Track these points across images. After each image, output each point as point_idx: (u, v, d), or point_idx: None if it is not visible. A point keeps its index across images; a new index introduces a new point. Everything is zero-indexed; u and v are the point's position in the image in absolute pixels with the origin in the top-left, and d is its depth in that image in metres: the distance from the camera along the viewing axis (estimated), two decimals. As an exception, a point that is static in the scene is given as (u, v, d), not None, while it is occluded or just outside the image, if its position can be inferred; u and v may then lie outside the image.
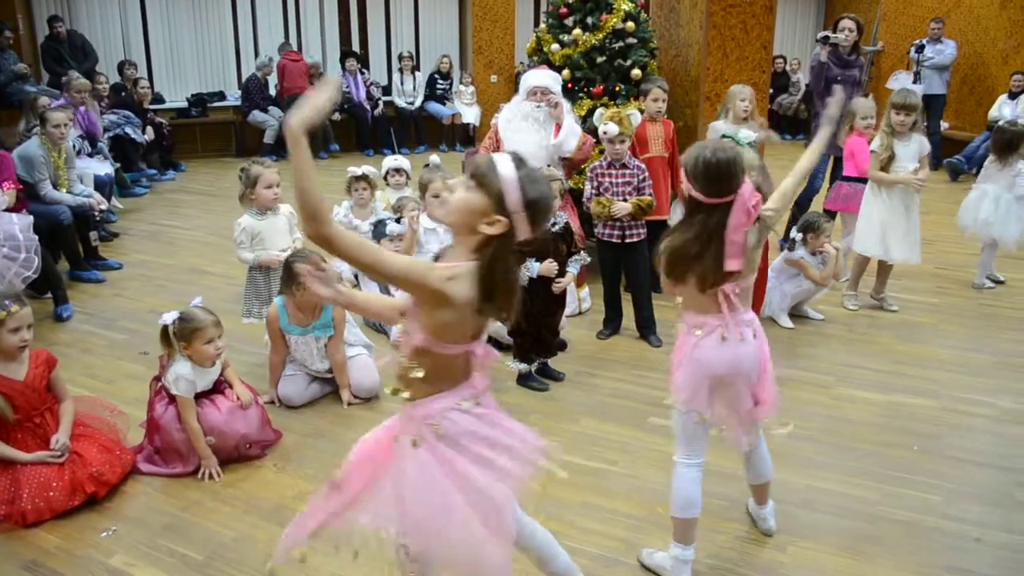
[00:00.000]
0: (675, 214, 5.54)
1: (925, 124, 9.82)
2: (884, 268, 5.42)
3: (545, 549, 2.39)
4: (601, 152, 4.79)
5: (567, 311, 5.07)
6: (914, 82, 10.13)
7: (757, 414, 2.68)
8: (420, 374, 1.99)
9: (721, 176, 2.41)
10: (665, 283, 2.65)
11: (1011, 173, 5.68)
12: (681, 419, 2.67)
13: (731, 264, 2.46)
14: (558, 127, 5.19)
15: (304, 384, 4.06)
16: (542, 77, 5.27)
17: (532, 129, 5.12)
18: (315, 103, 1.73)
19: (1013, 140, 5.65)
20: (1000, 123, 6.24)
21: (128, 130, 8.95)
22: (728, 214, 2.44)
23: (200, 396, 3.44)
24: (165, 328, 3.40)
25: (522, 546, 2.35)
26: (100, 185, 6.82)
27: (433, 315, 1.94)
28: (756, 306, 4.63)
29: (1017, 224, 5.72)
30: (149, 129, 9.45)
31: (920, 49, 10.39)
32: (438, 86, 12.25)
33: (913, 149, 5.14)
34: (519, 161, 1.95)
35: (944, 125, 10.69)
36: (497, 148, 5.31)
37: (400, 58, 12.16)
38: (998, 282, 5.99)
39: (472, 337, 2.01)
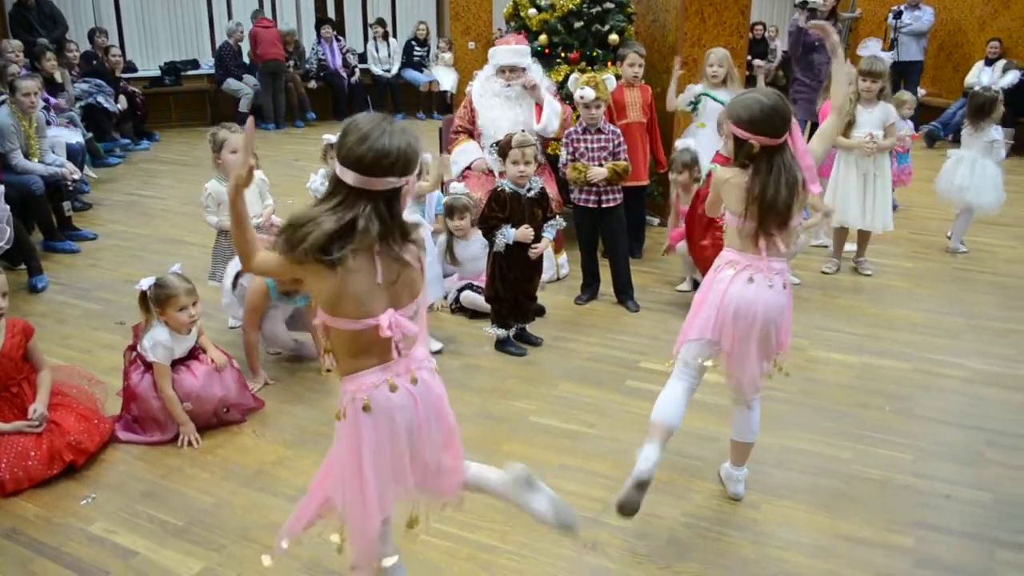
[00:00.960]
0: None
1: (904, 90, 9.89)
2: (863, 234, 5.46)
3: (502, 486, 2.32)
4: (577, 118, 4.78)
5: (545, 277, 5.08)
6: (890, 49, 10.18)
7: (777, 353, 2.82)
8: (329, 353, 2.03)
9: (782, 114, 2.54)
10: (713, 204, 2.82)
11: (985, 138, 5.72)
12: (690, 348, 2.77)
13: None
14: (538, 108, 5.15)
15: (281, 320, 4.05)
16: (509, 55, 5.20)
17: (505, 107, 5.13)
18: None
19: (986, 105, 5.68)
20: (975, 88, 6.27)
21: (100, 99, 8.81)
22: (789, 146, 2.59)
23: (175, 363, 3.44)
24: (143, 294, 3.39)
25: (480, 491, 2.37)
26: (72, 155, 6.72)
27: (317, 289, 1.94)
28: None
29: (993, 190, 5.77)
30: (122, 98, 9.32)
31: (898, 15, 10.40)
32: (415, 53, 12.13)
33: (877, 116, 5.16)
34: (367, 120, 1.90)
35: (921, 92, 10.73)
36: (472, 117, 5.28)
37: (372, 25, 12.01)
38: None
39: (371, 312, 1.93)
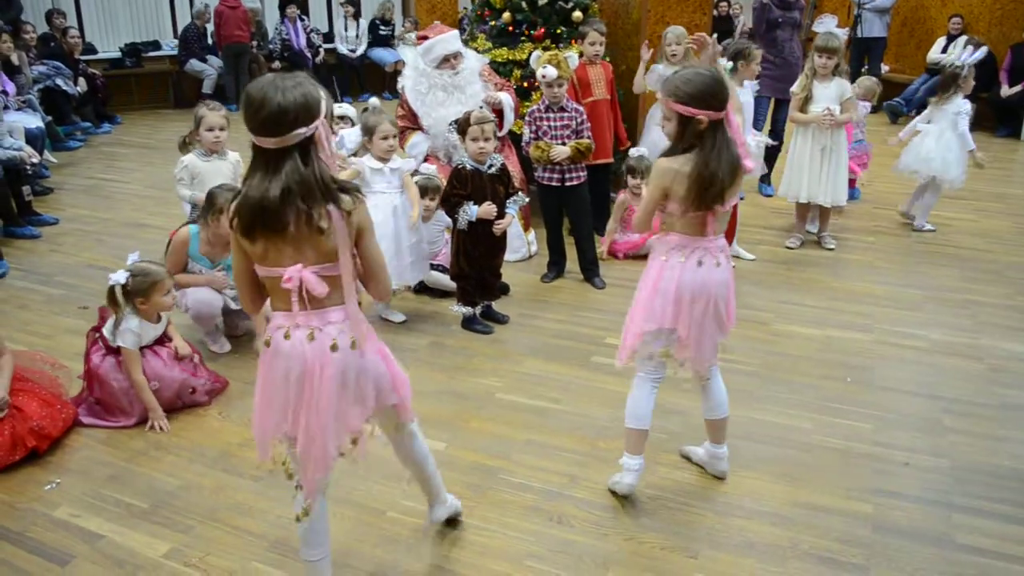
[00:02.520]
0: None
1: (866, 68, 9.98)
2: (825, 209, 5.51)
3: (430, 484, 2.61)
4: (541, 97, 4.76)
5: (517, 256, 5.11)
6: (854, 26, 10.24)
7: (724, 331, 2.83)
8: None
9: (724, 85, 2.53)
10: (648, 215, 2.72)
11: (952, 110, 5.76)
12: (648, 340, 2.76)
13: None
14: (496, 112, 5.09)
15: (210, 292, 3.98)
16: (453, 41, 5.15)
17: (454, 100, 5.01)
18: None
19: (952, 79, 5.74)
20: (944, 65, 6.33)
21: (59, 82, 8.68)
22: (726, 124, 2.57)
23: (141, 348, 3.41)
24: (112, 289, 3.34)
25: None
26: (31, 139, 6.61)
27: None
28: (729, 237, 4.73)
29: (958, 164, 5.78)
30: (81, 80, 9.17)
31: (861, -9, 10.46)
32: (380, 32, 12.03)
33: (833, 91, 5.21)
34: (261, 86, 1.96)
35: (884, 68, 10.83)
36: (411, 117, 5.20)
37: (342, 4, 11.89)
38: (908, 221, 6.08)
39: (277, 262, 2.02)
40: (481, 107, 4.28)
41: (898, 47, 11.30)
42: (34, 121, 7.14)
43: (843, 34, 5.33)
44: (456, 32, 5.29)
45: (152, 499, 2.91)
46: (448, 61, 5.11)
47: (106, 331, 3.40)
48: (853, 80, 5.68)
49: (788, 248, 5.54)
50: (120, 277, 3.33)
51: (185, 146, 4.53)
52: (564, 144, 4.57)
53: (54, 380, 3.48)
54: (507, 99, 5.18)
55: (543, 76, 4.52)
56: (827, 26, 5.23)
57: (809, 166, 5.33)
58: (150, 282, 3.35)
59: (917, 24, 11.23)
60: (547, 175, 4.69)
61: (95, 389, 3.42)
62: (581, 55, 5.31)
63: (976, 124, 9.60)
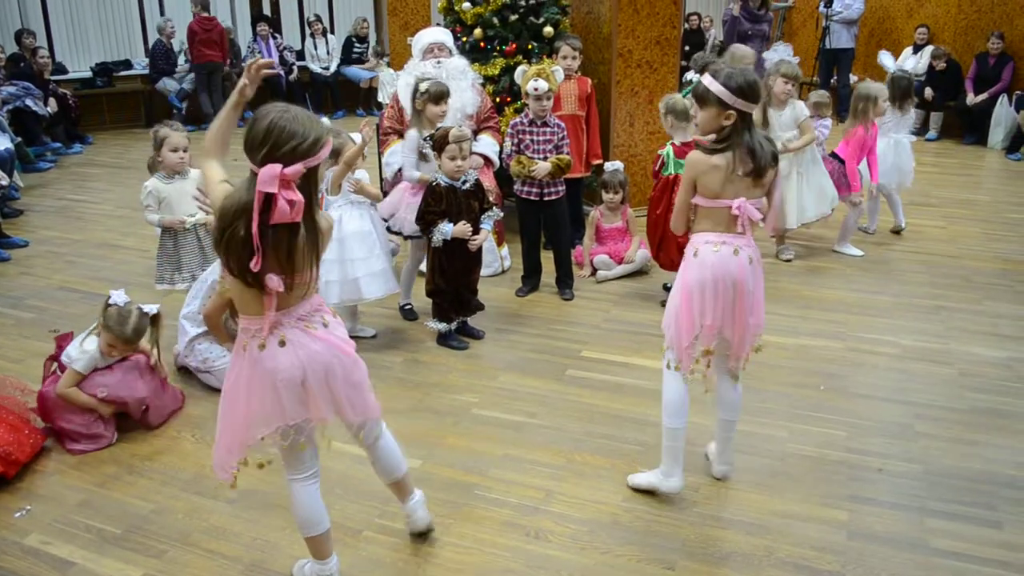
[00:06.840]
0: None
1: (835, 79, 10.09)
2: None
3: (385, 462, 2.60)
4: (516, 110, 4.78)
5: (489, 271, 5.11)
6: (822, 37, 10.39)
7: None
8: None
9: None
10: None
11: (910, 119, 5.81)
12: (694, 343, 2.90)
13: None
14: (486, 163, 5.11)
15: None
16: (435, 33, 5.21)
17: None
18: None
19: (911, 87, 5.79)
20: (892, 73, 6.37)
21: (29, 102, 8.61)
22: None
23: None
24: (152, 318, 3.45)
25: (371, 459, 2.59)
26: (0, 161, 6.55)
27: None
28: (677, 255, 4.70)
29: (909, 161, 5.86)
30: (52, 101, 9.10)
31: (829, 3, 10.60)
32: (355, 49, 12.03)
33: (788, 117, 5.21)
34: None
35: (853, 78, 10.96)
36: (400, 117, 5.21)
37: (310, 22, 11.89)
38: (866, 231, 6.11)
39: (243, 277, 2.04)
40: (460, 125, 4.27)
41: (866, 57, 11.43)
42: (3, 142, 7.07)
43: (796, 61, 5.37)
44: (444, 30, 5.33)
45: (124, 524, 2.88)
46: (432, 51, 5.13)
47: (66, 356, 3.37)
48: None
49: (785, 260, 5.54)
50: (153, 308, 3.45)
51: (156, 166, 4.48)
52: (545, 159, 4.58)
53: (22, 405, 3.42)
54: (490, 146, 5.16)
55: (535, 89, 4.52)
56: (782, 53, 5.25)
57: (796, 193, 5.35)
58: (155, 316, 3.48)
59: (884, 35, 11.39)
60: (526, 189, 4.70)
61: (59, 419, 3.35)
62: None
63: (943, 132, 9.85)
